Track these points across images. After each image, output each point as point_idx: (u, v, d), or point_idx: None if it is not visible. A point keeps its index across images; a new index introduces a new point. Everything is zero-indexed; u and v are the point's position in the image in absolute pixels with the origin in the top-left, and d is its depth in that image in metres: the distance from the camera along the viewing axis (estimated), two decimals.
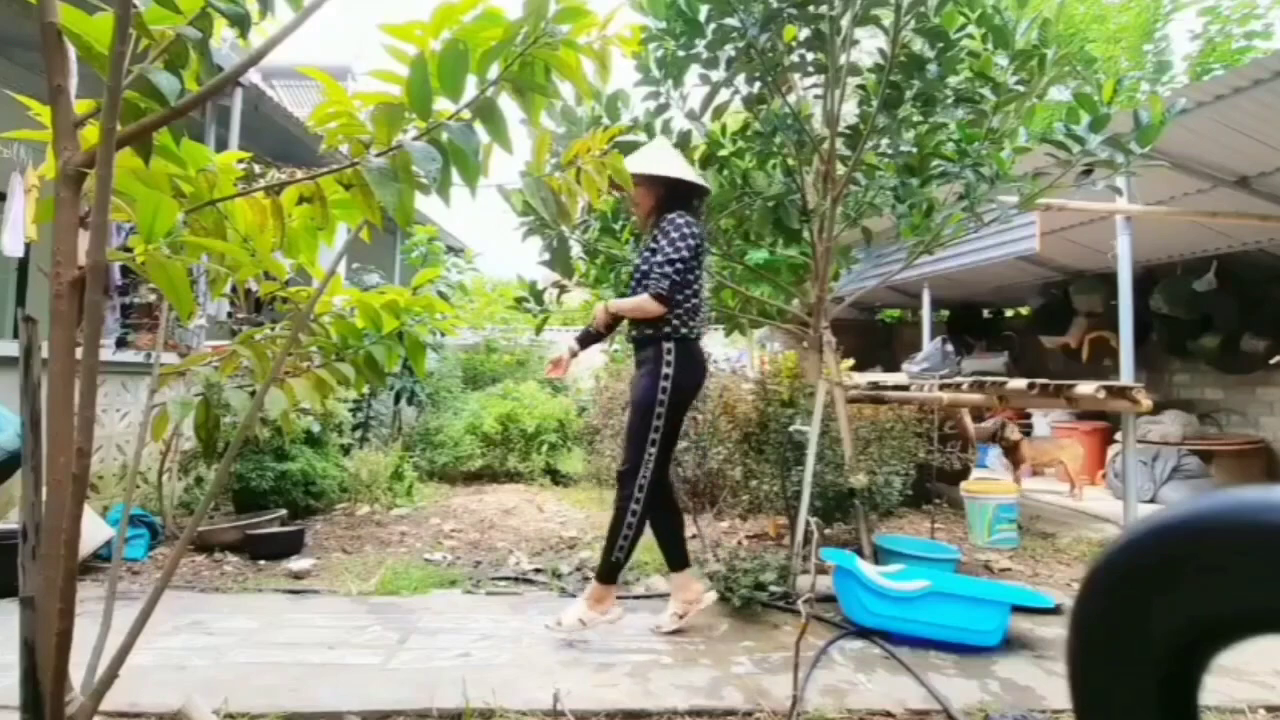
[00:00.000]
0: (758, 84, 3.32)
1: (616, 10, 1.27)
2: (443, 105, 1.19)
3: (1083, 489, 5.74)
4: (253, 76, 5.24)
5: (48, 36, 0.98)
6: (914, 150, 3.35)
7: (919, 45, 3.08)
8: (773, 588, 2.92)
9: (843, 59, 3.08)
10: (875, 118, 3.14)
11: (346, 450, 5.39)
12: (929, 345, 7.26)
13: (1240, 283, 5.73)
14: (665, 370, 2.63)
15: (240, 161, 1.35)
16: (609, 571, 2.66)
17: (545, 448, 6.63)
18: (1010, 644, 2.61)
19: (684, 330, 2.70)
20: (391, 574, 3.36)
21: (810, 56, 3.21)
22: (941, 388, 4.33)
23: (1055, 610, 2.86)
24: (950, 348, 7.19)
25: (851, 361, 4.80)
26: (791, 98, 3.36)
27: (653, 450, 2.62)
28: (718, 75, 3.24)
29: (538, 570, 3.54)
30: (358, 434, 5.97)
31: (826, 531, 3.71)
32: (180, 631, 2.63)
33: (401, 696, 2.11)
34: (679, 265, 2.62)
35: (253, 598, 3.09)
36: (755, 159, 3.55)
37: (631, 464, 2.63)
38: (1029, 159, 3.50)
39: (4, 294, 5.49)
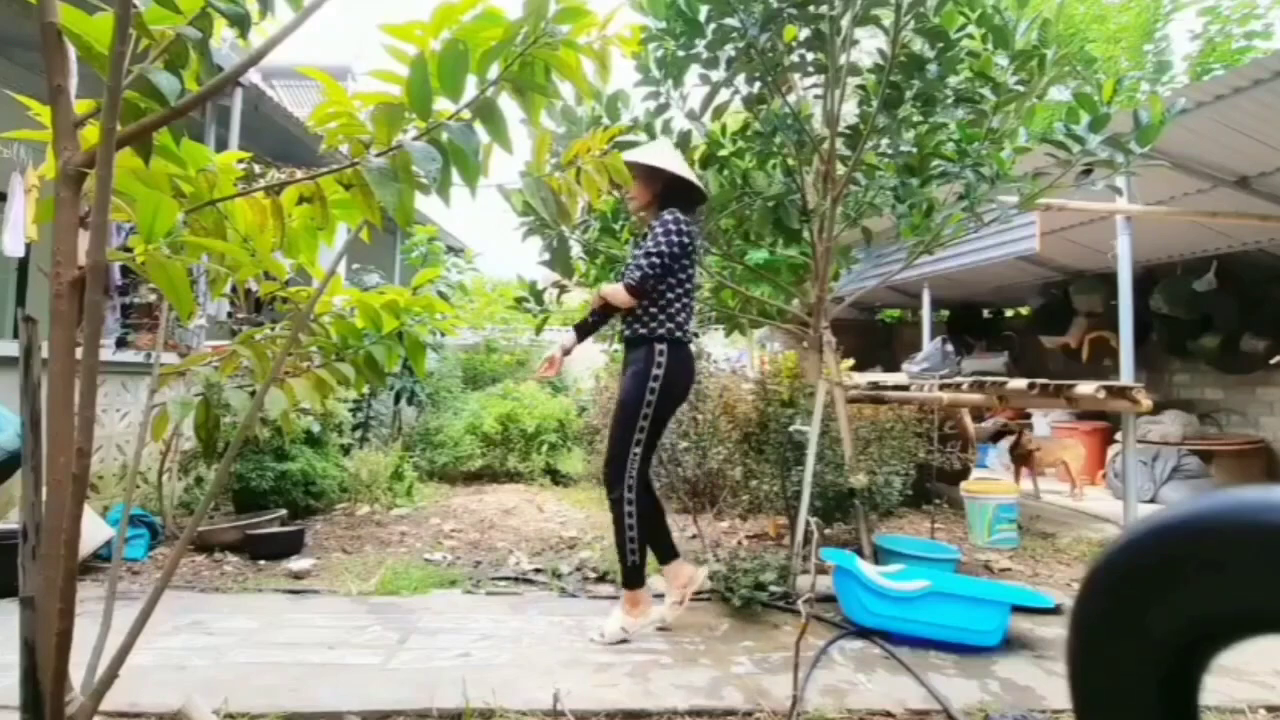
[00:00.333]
0: (758, 84, 3.32)
1: (616, 10, 1.27)
2: (443, 105, 1.19)
3: (1083, 489, 5.75)
4: (253, 76, 5.24)
5: (48, 36, 0.98)
6: (914, 150, 3.35)
7: (919, 45, 3.08)
8: (773, 588, 2.92)
9: (843, 59, 3.08)
10: (875, 118, 3.14)
11: (346, 450, 5.39)
12: (929, 345, 7.26)
13: (1240, 283, 5.73)
14: (655, 371, 2.64)
15: (240, 161, 1.35)
16: (630, 576, 2.67)
17: (545, 448, 6.63)
18: (1010, 644, 2.61)
19: (678, 333, 2.71)
20: (391, 574, 3.36)
21: (810, 56, 3.21)
22: (941, 388, 4.33)
23: (1055, 610, 2.86)
24: (950, 348, 7.19)
25: (851, 361, 4.81)
26: (791, 98, 3.36)
27: (637, 450, 2.64)
28: (718, 75, 3.24)
29: (538, 570, 3.54)
30: (358, 434, 5.97)
31: (826, 531, 3.71)
32: (180, 631, 2.63)
33: (401, 696, 2.11)
34: (656, 260, 2.63)
35: (253, 598, 3.09)
36: (755, 159, 3.55)
37: (617, 463, 2.65)
38: (1029, 159, 3.50)
39: (4, 294, 5.49)
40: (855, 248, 4.28)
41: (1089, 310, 6.90)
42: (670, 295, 2.70)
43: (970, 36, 3.08)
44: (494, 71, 1.19)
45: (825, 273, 3.50)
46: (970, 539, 4.27)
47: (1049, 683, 2.30)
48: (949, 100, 3.20)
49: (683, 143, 3.43)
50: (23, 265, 5.20)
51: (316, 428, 4.84)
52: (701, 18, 3.05)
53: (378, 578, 3.32)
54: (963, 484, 4.50)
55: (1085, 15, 11.60)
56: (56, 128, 1.00)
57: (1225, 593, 0.35)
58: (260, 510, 4.21)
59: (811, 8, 2.95)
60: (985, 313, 9.32)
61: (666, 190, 2.77)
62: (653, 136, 3.41)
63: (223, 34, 1.16)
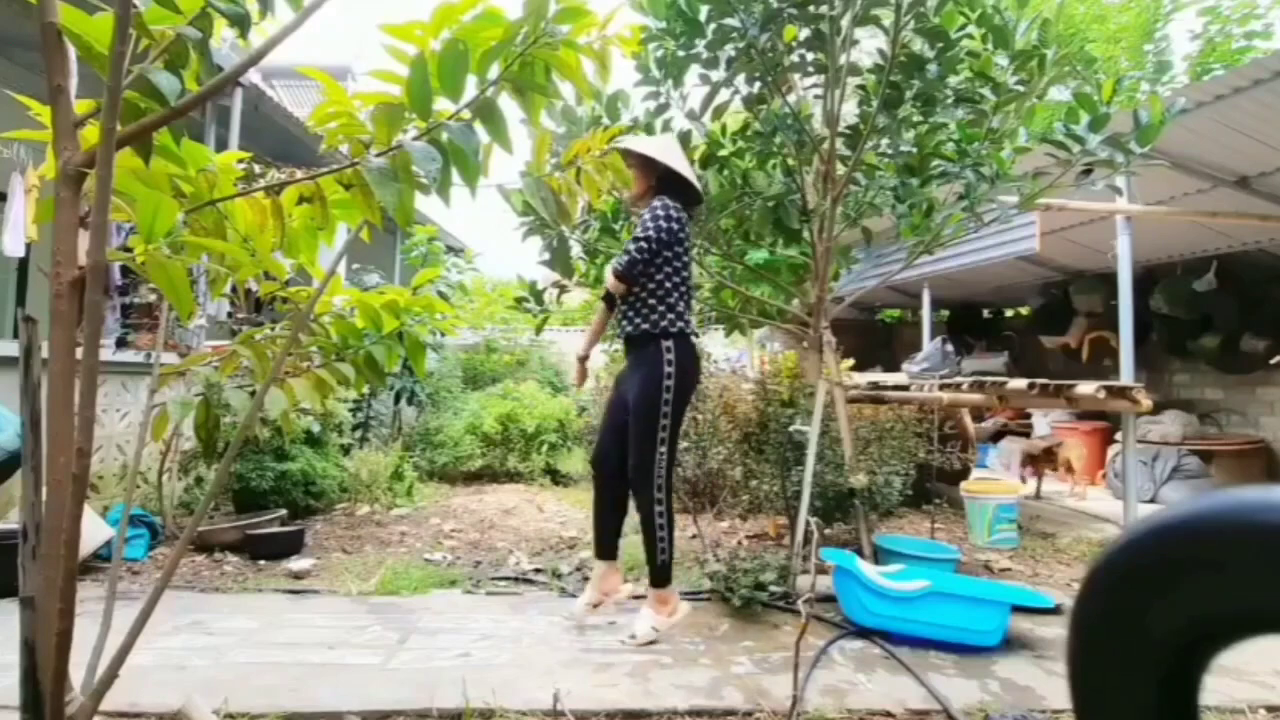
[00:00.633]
0: (758, 84, 3.32)
1: (616, 10, 1.27)
2: (443, 105, 1.19)
3: (1085, 488, 5.75)
4: (253, 76, 5.24)
5: (48, 36, 0.98)
6: (914, 150, 3.35)
7: (919, 45, 3.08)
8: (773, 588, 2.92)
9: (843, 59, 3.08)
10: (875, 118, 3.14)
11: (346, 450, 5.39)
12: (929, 345, 7.26)
13: (1240, 283, 5.73)
14: (667, 369, 2.64)
15: (240, 161, 1.35)
16: (660, 574, 2.68)
17: (545, 448, 6.63)
18: (1010, 644, 2.61)
19: (680, 324, 2.71)
20: (391, 574, 3.36)
21: (810, 56, 3.21)
22: (941, 388, 4.33)
23: (1055, 610, 2.86)
24: (950, 348, 7.20)
25: (851, 361, 4.81)
26: (791, 98, 3.36)
27: (662, 450, 2.64)
28: (718, 75, 3.24)
29: (538, 570, 3.54)
30: (358, 434, 5.97)
31: (826, 531, 3.71)
32: (180, 631, 2.63)
33: (401, 696, 2.11)
34: (644, 244, 2.64)
35: (253, 598, 3.09)
36: (755, 159, 3.55)
37: (645, 466, 2.64)
38: (1029, 159, 3.50)
39: (4, 294, 5.49)
40: (855, 248, 4.28)
41: (1089, 310, 6.89)
42: (669, 285, 2.70)
43: (970, 36, 3.08)
44: (494, 71, 1.19)
45: (825, 273, 3.50)
46: (970, 539, 4.27)
47: (1049, 683, 2.30)
48: (949, 100, 3.20)
49: (683, 142, 3.43)
50: (23, 265, 5.20)
51: (316, 428, 4.84)
52: (701, 18, 3.05)
53: (378, 578, 3.32)
54: (963, 484, 4.50)
55: (1085, 15, 11.60)
56: (56, 128, 1.00)
57: (1225, 593, 0.35)
58: (260, 510, 4.21)
59: (811, 8, 2.95)
60: (985, 313, 9.32)
61: (661, 183, 2.77)
62: (653, 136, 3.41)
63: (223, 34, 1.16)
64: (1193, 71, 10.73)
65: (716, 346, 5.67)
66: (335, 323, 1.53)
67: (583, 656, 2.47)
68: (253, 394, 1.39)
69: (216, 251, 1.24)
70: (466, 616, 2.86)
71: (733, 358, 7.09)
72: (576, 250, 3.90)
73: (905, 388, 4.71)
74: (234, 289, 1.53)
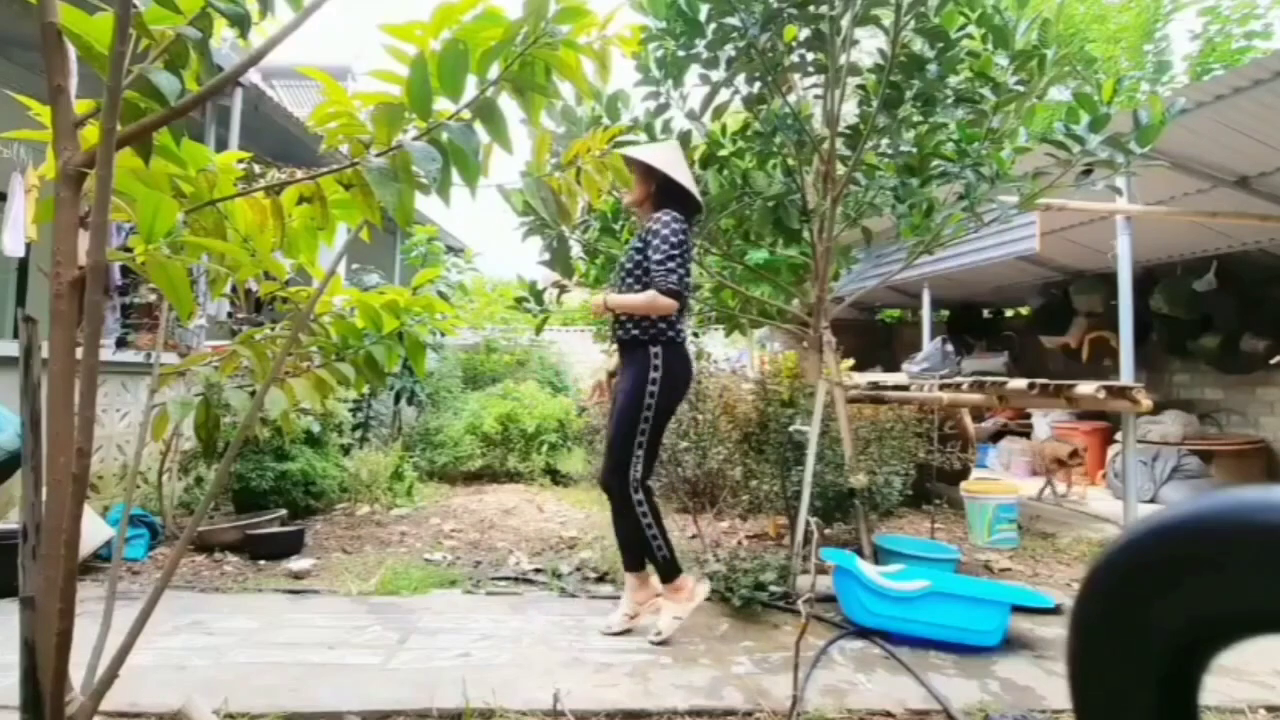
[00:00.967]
0: (758, 84, 3.32)
1: (616, 10, 1.27)
2: (443, 105, 1.19)
3: (1085, 489, 5.74)
4: (253, 76, 5.24)
5: (48, 36, 0.98)
6: (914, 150, 3.35)
7: (919, 45, 3.08)
8: (773, 588, 2.92)
9: (843, 59, 3.08)
10: (875, 118, 3.14)
11: (346, 450, 5.39)
12: (929, 345, 7.26)
13: (1240, 283, 5.73)
14: (653, 375, 2.63)
15: (240, 161, 1.35)
16: (665, 570, 2.67)
17: (545, 448, 6.63)
18: (1010, 644, 2.61)
19: (671, 333, 2.69)
20: (391, 574, 3.36)
21: (810, 56, 3.21)
22: (941, 388, 4.33)
23: (1055, 610, 2.86)
24: (950, 348, 7.20)
25: (851, 361, 4.81)
26: (791, 98, 3.36)
27: (639, 453, 2.63)
28: (718, 75, 3.24)
29: (538, 570, 3.54)
30: (358, 434, 5.97)
31: (826, 531, 3.71)
32: (180, 631, 2.63)
33: (401, 696, 2.11)
34: (676, 256, 2.63)
35: (253, 598, 3.09)
36: (755, 159, 3.55)
37: (620, 468, 2.63)
38: (1029, 159, 3.50)
39: (4, 294, 5.49)
40: (855, 248, 4.28)
41: (1089, 310, 6.89)
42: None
43: (970, 36, 3.08)
44: (494, 71, 1.19)
45: (825, 273, 3.50)
46: (970, 539, 4.27)
47: (1049, 683, 2.30)
48: (949, 100, 3.20)
49: (683, 142, 3.43)
50: (23, 265, 5.20)
51: (316, 428, 4.84)
52: (702, 17, 3.05)
53: (378, 578, 3.32)
54: (963, 484, 4.50)
55: (1085, 15, 11.61)
56: (56, 128, 1.00)
57: (1225, 593, 0.35)
58: (260, 510, 4.21)
59: (811, 8, 2.94)
60: (985, 313, 9.32)
61: (661, 191, 2.77)
62: (653, 136, 3.41)
63: (223, 34, 1.16)
64: (1193, 71, 10.73)
65: (716, 346, 5.67)
66: (335, 323, 1.53)
67: (583, 656, 2.47)
68: (253, 394, 1.39)
69: (216, 251, 1.24)
70: (466, 616, 2.86)
71: (733, 358, 7.10)
72: (576, 250, 3.91)
73: (905, 388, 4.71)
74: (234, 289, 1.53)
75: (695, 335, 5.05)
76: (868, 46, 3.33)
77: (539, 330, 3.95)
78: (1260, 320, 5.62)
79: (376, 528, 4.44)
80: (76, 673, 1.08)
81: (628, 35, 1.29)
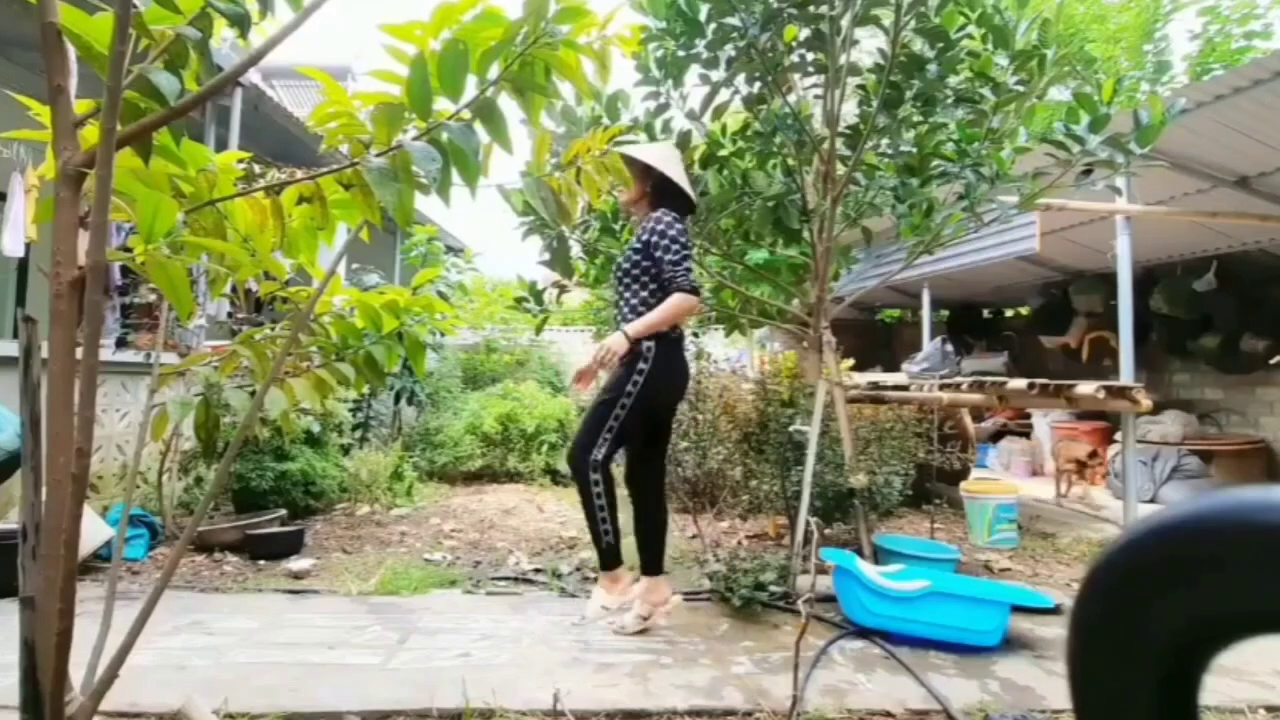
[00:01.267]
0: (758, 84, 3.31)
1: (616, 10, 1.27)
2: (443, 105, 1.19)
3: (1087, 488, 5.73)
4: (253, 76, 5.24)
5: (48, 36, 0.98)
6: (914, 150, 3.34)
7: (919, 45, 3.08)
8: (773, 588, 2.92)
9: (843, 59, 3.08)
10: (875, 118, 3.14)
11: (346, 450, 5.39)
12: (929, 345, 7.26)
13: (1240, 283, 5.73)
14: (641, 366, 2.63)
15: (240, 161, 1.35)
16: (605, 557, 2.68)
17: (545, 448, 6.63)
18: (1010, 644, 2.61)
19: (665, 329, 2.69)
20: (391, 574, 3.36)
21: (810, 56, 3.21)
22: (941, 388, 4.33)
23: (1055, 610, 2.86)
24: (950, 348, 7.20)
25: (851, 361, 4.80)
26: (791, 98, 3.36)
27: (607, 436, 2.62)
28: (718, 75, 3.24)
29: (538, 570, 3.54)
30: (358, 434, 5.97)
31: (826, 531, 3.71)
32: (180, 631, 2.63)
33: (401, 696, 2.11)
34: (681, 253, 2.64)
35: (253, 598, 3.09)
36: (755, 159, 3.55)
37: (585, 447, 2.63)
38: (1029, 159, 3.50)
39: (4, 294, 5.49)
40: (855, 248, 4.28)
41: (1089, 310, 6.89)
42: (663, 292, 2.69)
43: (970, 36, 3.08)
44: (494, 71, 1.19)
45: (825, 273, 3.50)
46: (970, 539, 4.27)
47: (1049, 683, 2.30)
48: (949, 100, 3.20)
49: (683, 143, 3.43)
50: (23, 265, 5.20)
51: (316, 428, 4.84)
52: (702, 17, 3.05)
53: (378, 578, 3.32)
54: (963, 484, 4.50)
55: (1085, 15, 11.61)
56: (56, 128, 1.00)
57: (1225, 593, 0.35)
58: (260, 510, 4.21)
59: (811, 8, 2.94)
60: (985, 313, 9.32)
61: (657, 190, 2.78)
62: (653, 136, 3.41)
63: (223, 34, 1.16)
64: (1192, 71, 10.74)
65: (716, 346, 5.67)
66: (335, 323, 1.53)
67: (583, 656, 2.47)
68: (253, 394, 1.39)
69: (216, 251, 1.24)
70: (466, 616, 2.86)
71: (733, 358, 7.10)
72: (576, 250, 3.90)
73: (905, 388, 4.71)
74: (234, 289, 1.53)
75: (695, 335, 5.05)
76: (868, 46, 3.33)
77: (539, 330, 3.95)
78: (1260, 320, 5.62)
79: (376, 528, 4.44)
80: (76, 673, 1.08)
81: (628, 35, 1.29)
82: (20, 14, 3.86)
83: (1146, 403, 3.67)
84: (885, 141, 3.37)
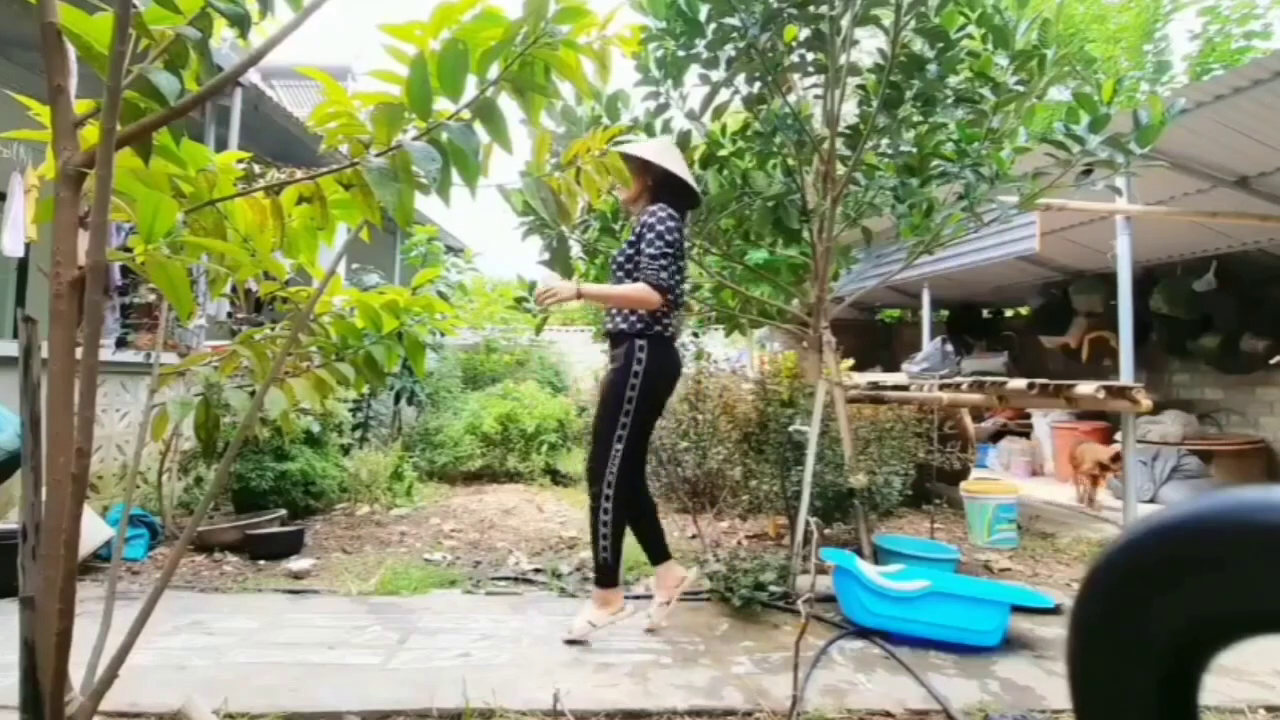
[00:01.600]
0: (758, 84, 3.31)
1: (616, 10, 1.27)
2: (443, 105, 1.19)
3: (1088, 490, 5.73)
4: (253, 76, 5.24)
5: (48, 36, 0.98)
6: (914, 150, 3.35)
7: (919, 45, 3.08)
8: (773, 588, 2.92)
9: (843, 59, 3.08)
10: (875, 118, 3.14)
11: (346, 450, 5.39)
12: (929, 345, 7.26)
13: (1240, 283, 5.73)
14: (636, 368, 2.62)
15: (240, 161, 1.35)
16: (601, 573, 2.67)
17: (545, 448, 6.63)
18: (1010, 644, 2.61)
19: (657, 327, 2.67)
20: (391, 574, 3.36)
21: (810, 56, 3.21)
22: (941, 388, 4.33)
23: (1055, 610, 2.86)
24: (950, 348, 7.20)
25: (851, 361, 4.80)
26: (791, 98, 3.36)
27: (619, 446, 2.61)
28: (718, 75, 3.24)
29: (538, 570, 3.54)
30: (357, 434, 5.97)
31: (826, 531, 3.71)
32: (180, 631, 2.63)
33: (401, 696, 2.11)
34: (670, 253, 2.62)
35: (253, 598, 3.09)
36: (755, 159, 3.55)
37: (599, 460, 2.63)
38: (1029, 159, 3.50)
39: (4, 294, 5.49)
40: (855, 248, 4.28)
41: (1089, 310, 6.89)
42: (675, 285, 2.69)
43: (970, 36, 3.08)
44: (494, 71, 1.19)
45: (825, 273, 3.50)
46: (970, 539, 4.27)
47: (1049, 683, 2.30)
48: (949, 100, 3.20)
49: (683, 143, 3.43)
50: (23, 265, 5.20)
51: (316, 428, 4.84)
52: (702, 17, 3.05)
53: (377, 578, 3.32)
54: (963, 484, 4.50)
55: (1085, 15, 11.61)
56: (56, 128, 1.00)
57: (1225, 593, 0.35)
58: (260, 510, 4.21)
59: (811, 8, 2.95)
60: (985, 313, 9.32)
61: (657, 186, 2.77)
62: (652, 136, 3.41)
63: (223, 34, 1.16)
64: (1192, 71, 10.74)
65: (716, 346, 5.66)
66: (335, 323, 1.53)
67: (583, 656, 2.47)
68: (253, 394, 1.39)
69: (216, 251, 1.24)
70: (466, 616, 2.86)
71: (733, 358, 7.09)
72: (576, 250, 3.90)
73: (905, 388, 4.70)
74: (234, 289, 1.53)
75: (695, 335, 5.05)
76: (868, 46, 3.33)
77: (539, 330, 3.95)
78: (1260, 320, 5.62)
79: (376, 528, 4.44)
80: (76, 672, 1.08)
81: (628, 35, 1.29)
82: (20, 14, 3.86)
83: (1146, 403, 3.66)
84: (885, 141, 3.37)
